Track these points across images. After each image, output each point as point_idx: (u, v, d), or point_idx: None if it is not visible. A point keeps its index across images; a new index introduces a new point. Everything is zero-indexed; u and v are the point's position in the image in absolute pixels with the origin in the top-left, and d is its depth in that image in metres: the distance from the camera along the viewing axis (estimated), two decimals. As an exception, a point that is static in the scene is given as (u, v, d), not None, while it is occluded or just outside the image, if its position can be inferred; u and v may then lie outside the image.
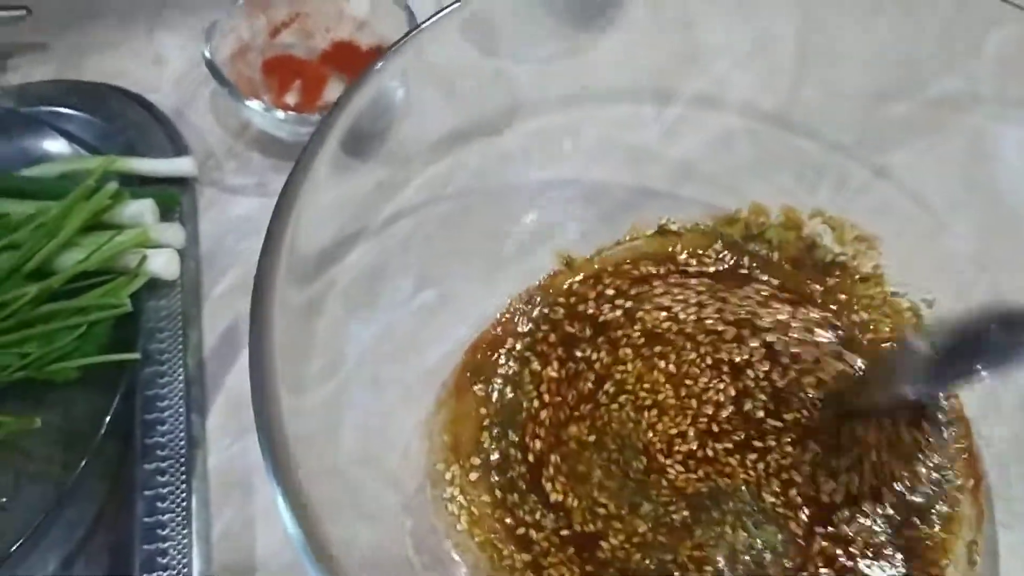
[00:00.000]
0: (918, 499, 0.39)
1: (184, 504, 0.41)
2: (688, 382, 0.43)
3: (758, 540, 0.38)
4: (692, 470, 0.40)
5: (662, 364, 0.43)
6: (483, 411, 0.42)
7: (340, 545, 0.30)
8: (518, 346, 0.44)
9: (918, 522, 0.38)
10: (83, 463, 0.41)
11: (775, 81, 0.45)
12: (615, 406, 0.42)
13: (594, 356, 0.44)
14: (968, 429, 0.40)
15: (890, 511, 0.39)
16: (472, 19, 0.40)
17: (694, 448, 0.41)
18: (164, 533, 0.40)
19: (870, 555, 0.38)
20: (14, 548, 0.40)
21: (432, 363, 0.43)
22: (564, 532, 0.39)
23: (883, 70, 0.43)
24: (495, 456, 0.41)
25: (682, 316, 0.44)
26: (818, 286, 0.45)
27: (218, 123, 0.56)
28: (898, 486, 0.39)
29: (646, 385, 0.43)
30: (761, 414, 0.41)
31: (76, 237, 0.46)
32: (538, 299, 0.45)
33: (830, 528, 0.38)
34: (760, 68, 0.45)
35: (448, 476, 0.40)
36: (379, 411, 0.40)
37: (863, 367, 0.42)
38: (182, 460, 0.42)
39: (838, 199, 0.45)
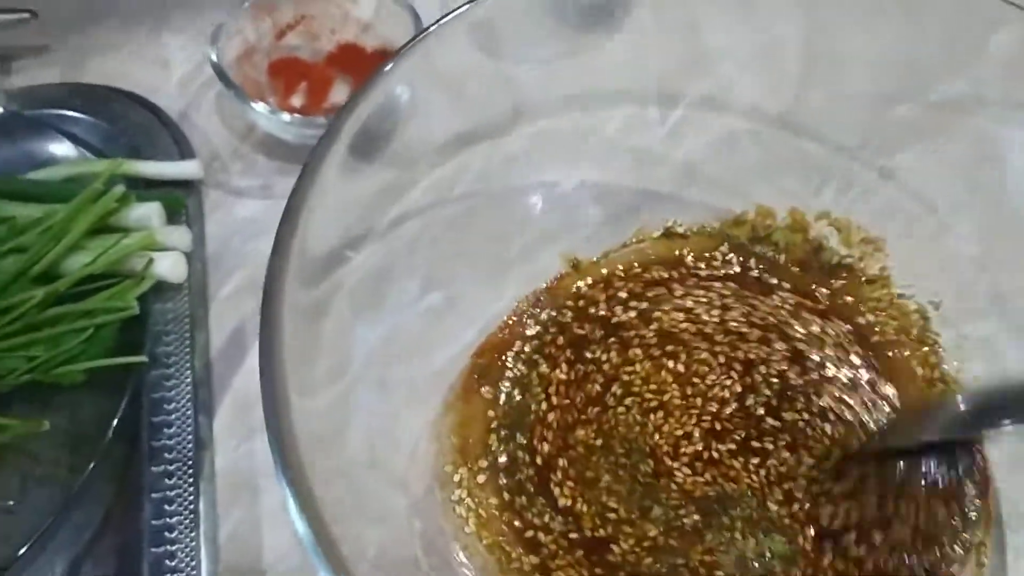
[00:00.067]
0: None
1: (192, 506, 0.41)
2: (696, 380, 0.43)
3: (767, 548, 0.38)
4: (699, 473, 0.40)
5: (670, 364, 0.43)
6: (491, 414, 0.42)
7: (350, 547, 0.30)
8: (526, 349, 0.44)
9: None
10: (90, 466, 0.41)
11: (780, 84, 0.45)
12: (621, 409, 0.42)
13: (603, 357, 0.44)
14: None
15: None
16: (479, 22, 0.41)
17: (700, 449, 0.41)
18: (172, 536, 0.40)
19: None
20: (21, 551, 0.40)
21: (439, 365, 0.43)
22: (573, 535, 0.39)
23: (887, 73, 0.43)
24: (503, 459, 0.41)
25: (704, 317, 0.44)
26: (824, 289, 0.45)
27: (223, 125, 0.56)
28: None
29: (652, 386, 0.43)
30: (761, 411, 0.42)
31: (83, 240, 0.46)
32: (545, 302, 0.46)
33: (838, 544, 0.38)
34: (765, 71, 0.45)
35: (456, 478, 0.41)
36: (386, 413, 0.40)
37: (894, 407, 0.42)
38: (189, 462, 0.42)
39: (844, 201, 0.45)
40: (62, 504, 0.41)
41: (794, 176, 0.46)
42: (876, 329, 0.44)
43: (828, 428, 0.41)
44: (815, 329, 0.44)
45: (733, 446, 0.41)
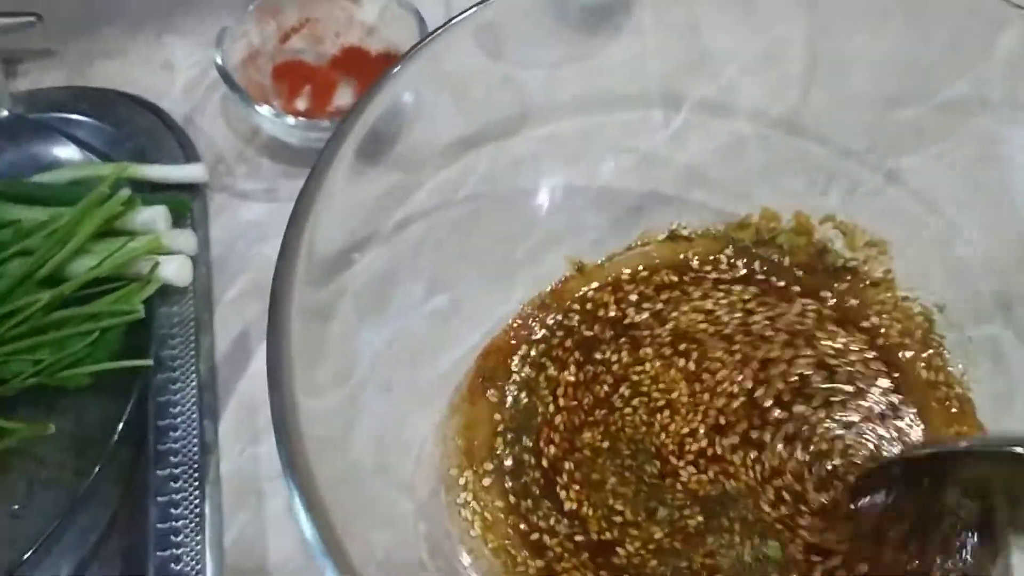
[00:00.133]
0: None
1: (197, 510, 0.41)
2: (705, 376, 0.43)
3: (763, 553, 0.38)
4: (703, 470, 0.40)
5: (681, 362, 0.43)
6: (497, 417, 0.42)
7: (356, 550, 0.30)
8: (532, 353, 0.44)
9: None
10: (96, 469, 0.41)
11: (784, 86, 0.45)
12: (628, 410, 0.42)
13: (613, 358, 0.44)
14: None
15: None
16: (484, 26, 0.41)
17: (704, 446, 0.41)
18: (177, 539, 0.40)
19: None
20: (27, 555, 0.40)
21: (445, 368, 0.43)
22: (579, 538, 0.39)
23: (892, 75, 0.43)
24: (509, 462, 0.41)
25: (724, 319, 0.44)
26: (829, 292, 0.45)
27: (228, 129, 0.56)
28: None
29: (661, 385, 0.43)
30: (769, 403, 0.41)
31: (88, 244, 0.46)
32: (550, 305, 0.46)
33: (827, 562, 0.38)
34: (769, 73, 0.45)
35: (462, 481, 0.41)
36: (392, 416, 0.40)
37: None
38: (195, 466, 0.42)
39: (849, 204, 0.45)
40: (68, 507, 0.41)
41: (798, 179, 0.46)
42: (881, 331, 0.44)
43: (837, 437, 0.41)
44: (840, 343, 0.43)
45: (735, 439, 0.41)
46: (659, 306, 0.45)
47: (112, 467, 0.42)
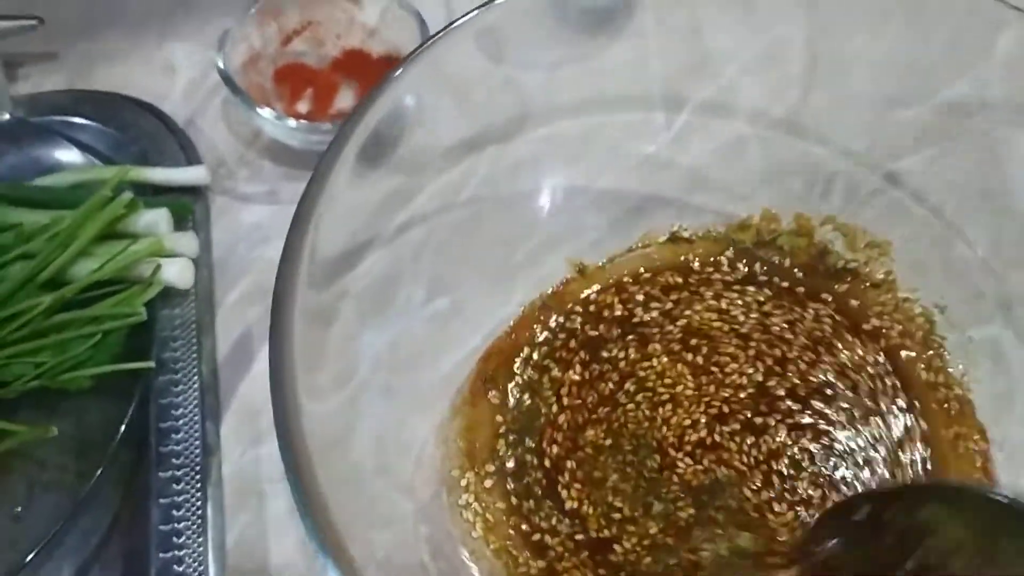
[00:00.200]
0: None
1: (199, 512, 0.41)
2: (714, 369, 0.43)
3: (736, 545, 0.38)
4: (698, 460, 0.41)
5: (689, 356, 0.43)
6: (499, 418, 0.42)
7: (358, 551, 0.30)
8: (535, 355, 0.44)
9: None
10: (98, 472, 0.41)
11: (785, 88, 0.45)
12: (631, 405, 0.42)
13: (620, 355, 0.44)
14: (984, 435, 0.40)
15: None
16: (486, 29, 0.41)
17: (703, 436, 0.41)
18: (179, 541, 0.41)
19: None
20: (29, 557, 0.40)
21: (446, 371, 0.43)
22: (579, 536, 0.39)
23: (892, 76, 0.43)
24: (511, 463, 0.41)
25: (741, 318, 0.44)
26: (828, 295, 0.45)
27: (230, 131, 0.56)
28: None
29: (667, 380, 0.43)
30: (781, 392, 0.42)
31: (90, 246, 0.46)
32: (552, 307, 0.46)
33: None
34: (769, 75, 0.46)
35: (463, 483, 0.41)
36: (394, 418, 0.40)
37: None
38: (197, 468, 0.43)
39: (849, 205, 0.45)
40: (70, 510, 0.41)
41: (799, 180, 0.46)
42: (883, 332, 0.44)
43: (847, 445, 0.41)
44: (859, 353, 0.43)
45: (737, 426, 0.41)
46: (669, 305, 0.45)
47: (114, 469, 0.42)
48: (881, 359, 0.43)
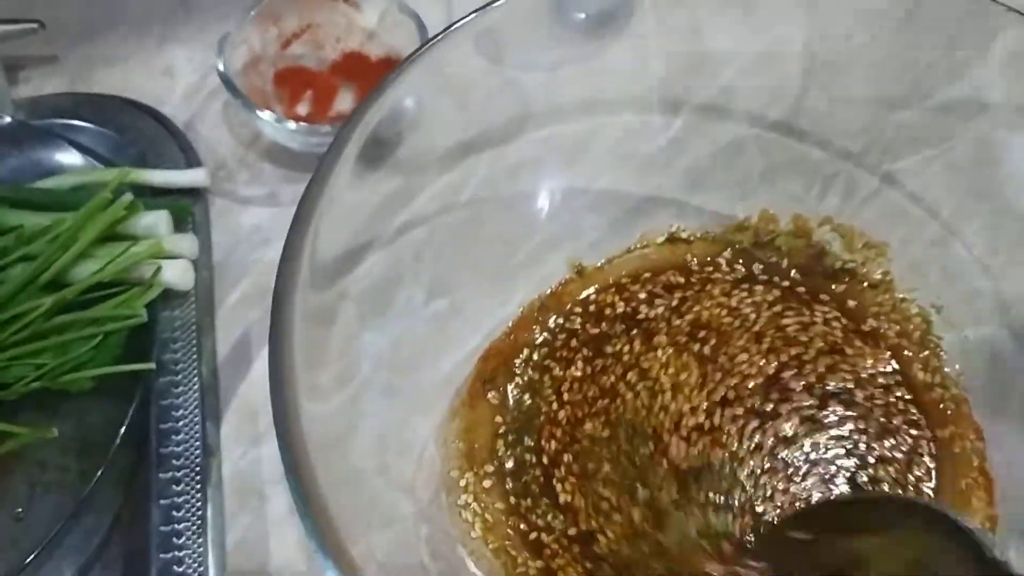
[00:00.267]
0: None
1: (200, 513, 0.41)
2: (722, 359, 0.43)
3: (713, 527, 0.39)
4: (692, 443, 0.41)
5: (696, 347, 0.43)
6: (498, 419, 0.43)
7: (358, 551, 0.30)
8: (535, 356, 0.44)
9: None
10: (98, 473, 0.42)
11: (783, 89, 0.46)
12: (630, 395, 0.42)
13: (625, 348, 0.44)
14: (980, 434, 0.41)
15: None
16: (485, 31, 0.41)
17: (701, 420, 0.41)
18: (180, 542, 0.41)
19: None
20: (30, 558, 0.40)
21: (445, 372, 0.43)
22: (571, 531, 0.39)
23: (889, 77, 0.44)
24: (510, 464, 0.42)
25: (752, 316, 0.44)
26: (826, 295, 0.45)
27: (230, 134, 0.56)
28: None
29: (671, 370, 0.43)
30: (799, 385, 0.42)
31: (90, 248, 0.46)
32: (551, 307, 0.46)
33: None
34: (768, 76, 0.46)
35: (462, 483, 0.41)
36: (393, 419, 0.40)
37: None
38: (197, 469, 0.43)
39: (847, 206, 0.46)
40: (70, 510, 0.41)
41: (798, 181, 0.46)
42: (881, 332, 0.44)
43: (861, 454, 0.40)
44: (870, 362, 0.43)
45: (740, 411, 0.41)
46: (675, 302, 0.45)
47: (114, 470, 0.42)
48: (891, 368, 0.43)
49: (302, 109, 0.55)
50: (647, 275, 0.46)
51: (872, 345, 0.44)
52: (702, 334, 0.44)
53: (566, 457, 0.41)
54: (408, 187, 0.42)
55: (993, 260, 0.42)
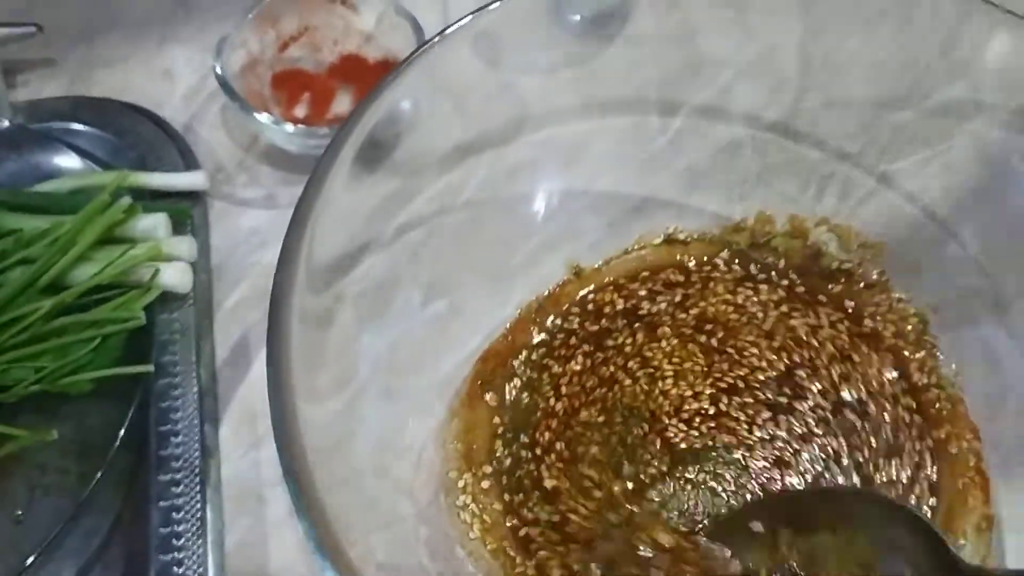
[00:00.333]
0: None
1: (199, 514, 0.42)
2: (730, 351, 0.43)
3: (707, 508, 0.39)
4: (694, 427, 0.41)
5: (703, 339, 0.44)
6: (496, 420, 0.43)
7: (357, 553, 0.30)
8: (533, 356, 0.45)
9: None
10: (98, 475, 0.42)
11: (779, 91, 0.46)
12: (629, 381, 0.42)
13: (628, 341, 0.44)
14: (976, 434, 0.41)
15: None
16: (481, 33, 0.41)
17: (705, 406, 0.42)
18: (179, 543, 0.41)
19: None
20: (30, 560, 0.40)
21: (444, 373, 0.43)
22: (555, 518, 0.40)
23: (886, 78, 0.44)
24: (507, 462, 0.42)
25: (760, 315, 0.44)
26: (823, 296, 0.45)
27: (228, 137, 0.56)
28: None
29: (675, 359, 0.43)
30: (814, 387, 0.42)
31: (89, 251, 0.46)
32: (549, 308, 0.46)
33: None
34: (764, 78, 0.46)
35: (461, 484, 0.41)
36: (392, 420, 0.41)
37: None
38: (196, 471, 0.43)
39: (843, 207, 0.46)
40: (70, 513, 0.41)
41: (794, 182, 0.47)
42: (878, 332, 0.44)
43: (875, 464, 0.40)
44: (877, 371, 0.43)
45: (750, 399, 0.41)
46: (678, 297, 0.45)
47: (114, 472, 0.42)
48: (895, 374, 0.43)
49: (300, 111, 0.55)
50: (646, 274, 0.46)
51: (874, 349, 0.44)
52: (709, 327, 0.44)
53: (558, 445, 0.41)
54: (405, 189, 0.42)
55: (989, 260, 0.42)
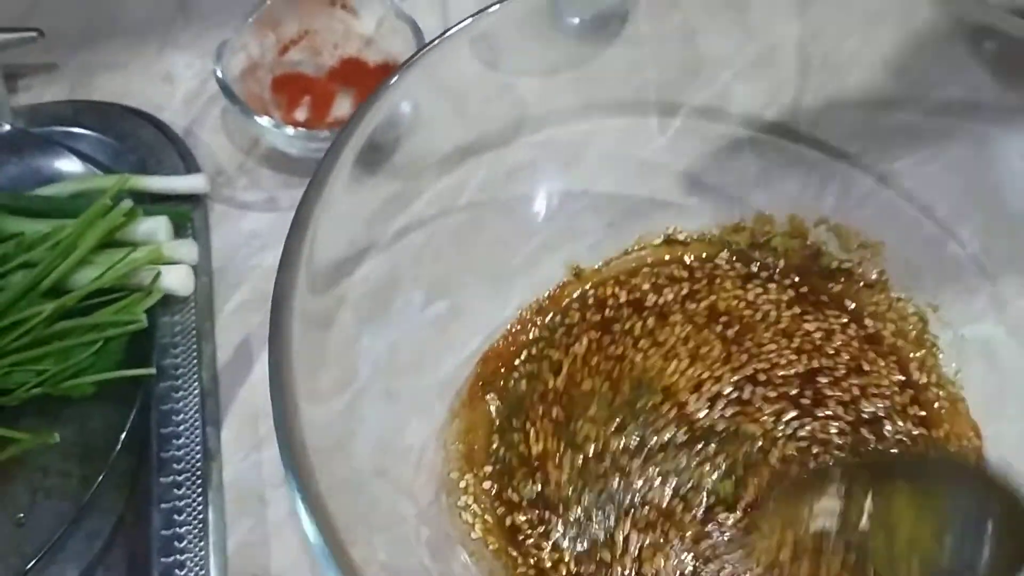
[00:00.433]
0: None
1: (200, 517, 0.42)
2: (748, 344, 0.43)
3: (712, 484, 0.39)
4: (716, 408, 0.41)
5: (719, 329, 0.43)
6: (496, 419, 0.43)
7: (359, 553, 0.30)
8: (533, 351, 0.45)
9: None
10: (100, 478, 0.42)
11: (778, 91, 0.46)
12: (640, 357, 0.42)
13: (637, 326, 0.44)
14: (977, 432, 0.41)
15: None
16: (481, 35, 0.41)
17: (727, 391, 0.41)
18: (181, 546, 0.41)
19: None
20: (32, 563, 0.40)
21: (445, 374, 0.43)
22: (536, 489, 0.40)
23: (884, 78, 0.44)
24: (502, 451, 0.42)
25: (773, 314, 0.44)
26: (824, 296, 0.45)
27: (228, 140, 0.57)
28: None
29: (690, 344, 0.42)
30: (833, 393, 0.41)
31: (90, 255, 0.46)
32: (549, 309, 0.46)
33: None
34: (763, 78, 0.46)
35: (462, 485, 0.41)
36: (393, 422, 0.41)
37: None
38: (198, 473, 0.43)
39: (842, 206, 0.46)
40: (72, 516, 0.41)
41: (793, 182, 0.47)
42: (878, 332, 0.44)
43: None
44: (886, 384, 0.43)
45: (774, 394, 0.41)
46: (684, 290, 0.45)
47: (116, 475, 0.43)
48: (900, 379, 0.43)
49: (300, 115, 0.55)
50: (646, 269, 0.46)
51: (881, 355, 0.44)
52: (723, 319, 0.44)
53: (554, 411, 0.41)
54: (406, 191, 0.42)
55: (988, 259, 0.42)
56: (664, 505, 0.39)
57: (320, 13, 0.55)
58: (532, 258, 0.46)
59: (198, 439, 0.44)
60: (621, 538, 0.38)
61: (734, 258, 0.47)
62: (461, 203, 0.44)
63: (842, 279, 0.46)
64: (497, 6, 0.41)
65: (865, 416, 0.41)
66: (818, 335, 0.44)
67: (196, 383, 0.46)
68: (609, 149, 0.47)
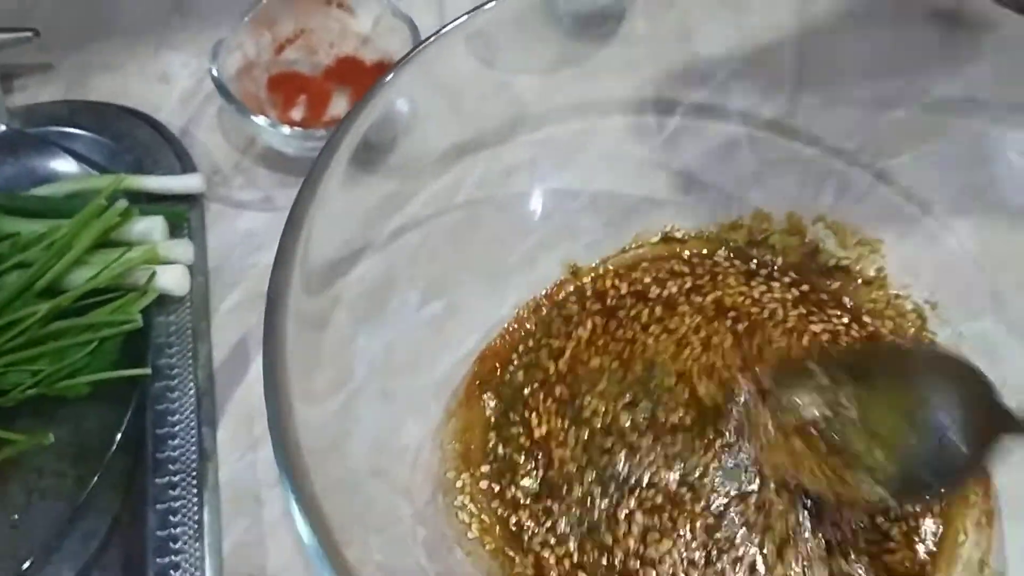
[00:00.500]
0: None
1: (196, 517, 0.42)
2: (758, 339, 0.42)
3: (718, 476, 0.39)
4: (731, 391, 0.40)
5: (729, 322, 0.43)
6: (493, 419, 0.43)
7: (354, 554, 0.30)
8: (531, 342, 0.44)
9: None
10: (95, 478, 0.42)
11: (775, 88, 0.46)
12: (651, 341, 0.42)
13: (644, 313, 0.43)
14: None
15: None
16: (476, 33, 0.41)
17: (746, 382, 0.41)
18: (177, 546, 0.41)
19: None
20: (27, 564, 0.40)
21: (441, 373, 0.43)
22: (538, 477, 0.40)
23: (882, 76, 0.44)
24: (500, 448, 0.41)
25: (780, 312, 0.44)
26: (823, 294, 0.45)
27: (224, 139, 0.56)
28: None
29: (702, 334, 0.42)
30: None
31: (86, 255, 0.46)
32: (546, 308, 0.46)
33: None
34: (760, 76, 0.46)
35: (459, 484, 0.41)
36: (389, 421, 0.40)
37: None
38: (193, 473, 0.43)
39: (840, 204, 0.46)
40: (67, 516, 0.41)
41: (791, 180, 0.47)
42: (877, 329, 0.44)
43: None
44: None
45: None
46: (687, 284, 0.45)
47: (111, 475, 0.42)
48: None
49: (296, 114, 0.55)
50: (646, 264, 0.46)
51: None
52: (731, 314, 0.43)
53: (558, 390, 0.41)
54: (402, 190, 0.42)
55: (986, 255, 0.42)
56: (672, 488, 0.38)
57: (316, 12, 0.55)
58: (529, 257, 0.46)
59: (194, 439, 0.44)
60: (624, 516, 0.38)
61: (732, 255, 0.47)
62: (457, 202, 0.44)
63: (840, 276, 0.45)
64: (493, 3, 0.41)
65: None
66: (825, 337, 0.44)
67: (192, 383, 0.45)
68: (606, 147, 0.47)
